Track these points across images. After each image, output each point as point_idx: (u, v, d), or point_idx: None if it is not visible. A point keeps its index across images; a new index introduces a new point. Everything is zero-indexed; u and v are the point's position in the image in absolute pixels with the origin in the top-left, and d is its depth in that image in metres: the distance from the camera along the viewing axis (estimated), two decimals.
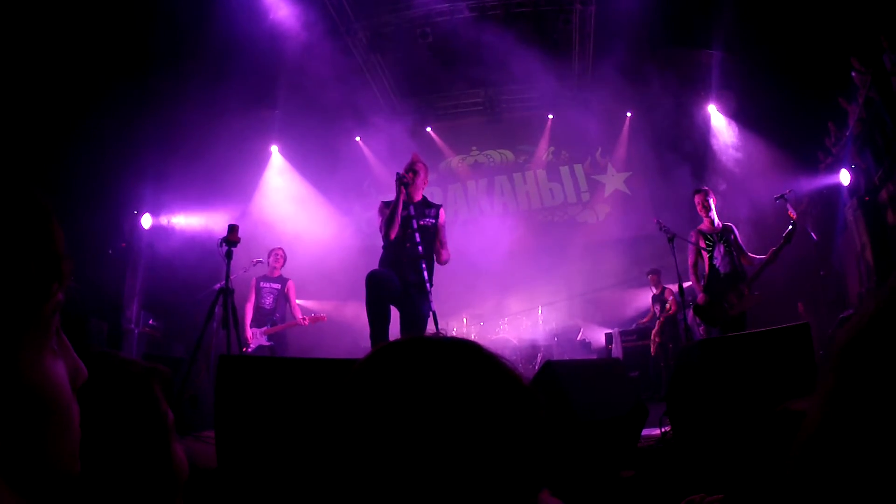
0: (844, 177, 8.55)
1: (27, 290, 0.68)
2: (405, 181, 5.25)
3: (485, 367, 0.78)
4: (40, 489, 0.69)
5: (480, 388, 0.74)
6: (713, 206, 6.70)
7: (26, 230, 0.69)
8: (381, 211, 5.45)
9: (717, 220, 6.69)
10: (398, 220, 5.20)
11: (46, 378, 0.70)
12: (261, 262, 8.24)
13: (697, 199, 6.81)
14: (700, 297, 6.58)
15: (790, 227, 6.22)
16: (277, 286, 8.22)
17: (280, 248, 8.53)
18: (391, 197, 5.38)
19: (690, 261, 6.77)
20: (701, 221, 6.82)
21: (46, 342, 0.71)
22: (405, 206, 5.27)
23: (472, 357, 0.79)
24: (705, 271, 6.63)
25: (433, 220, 5.44)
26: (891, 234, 7.64)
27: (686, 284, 6.77)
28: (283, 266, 8.42)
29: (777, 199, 6.95)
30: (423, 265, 5.15)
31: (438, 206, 5.58)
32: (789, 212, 6.46)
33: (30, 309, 0.69)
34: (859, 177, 8.42)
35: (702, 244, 6.65)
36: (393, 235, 5.21)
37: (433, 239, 5.44)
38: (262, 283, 8.20)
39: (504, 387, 0.77)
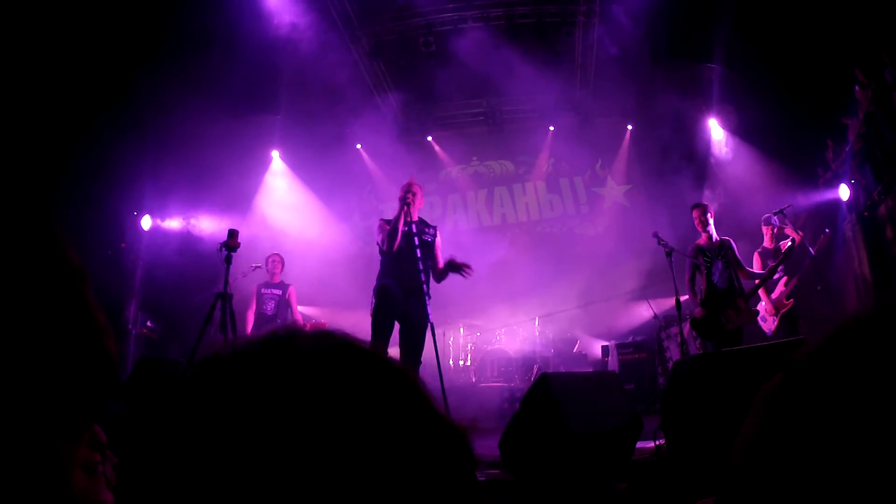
0: (844, 192, 8.56)
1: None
2: (407, 201, 5.71)
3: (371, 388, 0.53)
4: None
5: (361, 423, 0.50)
6: (711, 221, 6.72)
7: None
8: (381, 228, 5.90)
9: (714, 235, 6.71)
10: (400, 233, 5.64)
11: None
12: (259, 267, 8.27)
13: (695, 213, 6.84)
14: (697, 310, 6.59)
15: (789, 243, 6.25)
16: (279, 292, 8.26)
17: (277, 254, 8.56)
18: (391, 209, 5.76)
19: (687, 276, 6.79)
20: (699, 236, 6.85)
21: None
22: (406, 224, 5.72)
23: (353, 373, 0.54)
24: (702, 286, 6.63)
25: (432, 239, 5.94)
26: (889, 250, 7.65)
27: (683, 298, 6.77)
28: (281, 271, 8.46)
29: (776, 214, 6.99)
30: (423, 277, 5.58)
31: (435, 227, 6.09)
32: (796, 238, 6.51)
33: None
34: (858, 192, 8.42)
35: (700, 260, 6.67)
36: (395, 247, 5.63)
37: (432, 253, 5.91)
38: (263, 290, 8.25)
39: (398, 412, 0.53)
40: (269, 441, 0.48)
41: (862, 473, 0.49)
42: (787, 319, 7.08)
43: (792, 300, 7.15)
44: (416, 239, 5.66)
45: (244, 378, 0.52)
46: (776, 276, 7.19)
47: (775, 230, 7.27)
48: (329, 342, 0.56)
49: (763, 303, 7.38)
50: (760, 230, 7.54)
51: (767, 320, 7.31)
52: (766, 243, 7.36)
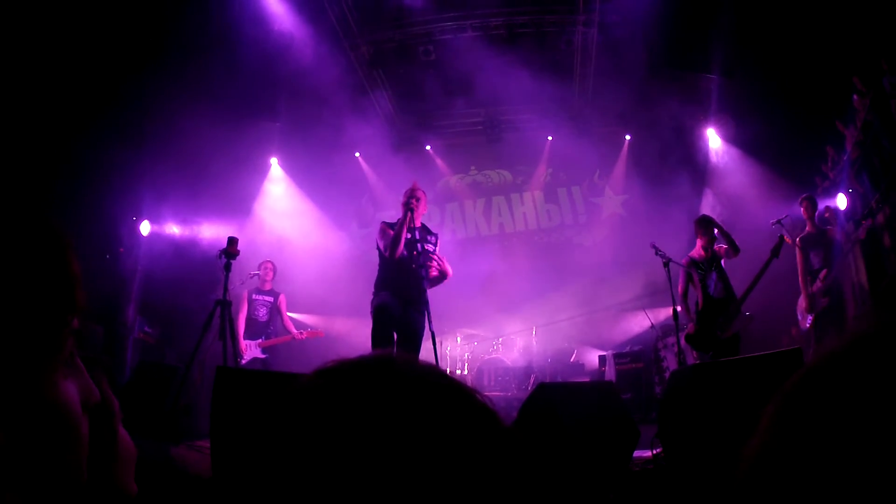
0: (841, 201, 8.57)
1: (46, 319, 0.74)
2: (411, 207, 5.59)
3: (458, 404, 0.65)
4: (49, 497, 0.73)
5: (450, 427, 0.61)
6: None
7: (44, 264, 0.75)
8: (382, 231, 5.77)
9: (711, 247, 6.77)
10: (403, 241, 5.53)
11: (60, 397, 0.76)
12: (257, 274, 8.30)
13: (708, 228, 6.82)
14: (690, 325, 6.62)
15: (777, 240, 6.31)
16: (270, 299, 8.32)
17: (270, 261, 8.61)
18: (389, 217, 5.63)
19: (680, 288, 6.81)
20: (694, 248, 6.88)
21: (60, 365, 0.77)
22: (409, 230, 5.62)
23: (444, 391, 0.66)
24: (698, 298, 6.66)
25: (433, 248, 5.84)
26: (886, 258, 7.66)
27: (680, 308, 6.79)
28: (273, 278, 8.50)
29: (774, 224, 7.02)
30: (425, 286, 5.57)
31: (437, 235, 6.01)
32: (785, 237, 6.53)
33: (48, 335, 0.75)
34: (856, 201, 8.43)
35: (694, 272, 6.71)
36: (397, 254, 5.53)
37: (430, 261, 5.81)
38: (254, 296, 8.32)
39: (479, 428, 0.64)
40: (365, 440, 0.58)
41: (875, 477, 0.49)
42: (823, 318, 7.14)
43: (827, 298, 7.21)
44: (419, 246, 5.61)
45: (357, 390, 0.64)
46: (815, 267, 7.31)
47: (811, 211, 7.30)
48: (420, 369, 0.68)
49: (801, 300, 7.49)
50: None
51: (805, 318, 7.41)
52: (809, 227, 7.41)
